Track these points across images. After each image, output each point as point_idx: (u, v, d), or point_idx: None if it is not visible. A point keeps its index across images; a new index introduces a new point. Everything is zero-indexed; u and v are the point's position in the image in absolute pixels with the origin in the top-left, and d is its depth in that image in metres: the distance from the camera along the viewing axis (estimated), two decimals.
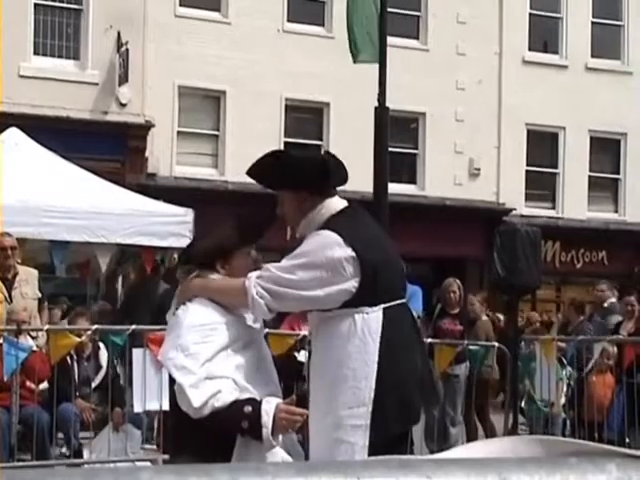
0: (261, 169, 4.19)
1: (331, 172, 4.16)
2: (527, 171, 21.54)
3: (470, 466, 1.65)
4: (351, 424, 3.81)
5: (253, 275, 3.92)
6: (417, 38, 20.68)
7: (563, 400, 10.60)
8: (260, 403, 3.76)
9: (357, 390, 3.81)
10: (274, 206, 4.23)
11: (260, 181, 4.25)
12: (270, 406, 3.75)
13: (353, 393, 3.81)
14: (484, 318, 11.08)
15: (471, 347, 9.65)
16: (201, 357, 3.81)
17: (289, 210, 4.16)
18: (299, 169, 4.14)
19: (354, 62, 14.09)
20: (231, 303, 3.99)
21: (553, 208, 21.85)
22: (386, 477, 1.66)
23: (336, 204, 4.18)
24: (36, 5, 17.36)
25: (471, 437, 10.17)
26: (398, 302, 3.94)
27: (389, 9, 14.01)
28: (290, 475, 1.71)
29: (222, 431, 3.75)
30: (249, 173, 4.20)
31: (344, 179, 4.31)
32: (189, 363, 3.81)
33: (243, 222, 4.19)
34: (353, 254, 3.89)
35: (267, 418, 3.71)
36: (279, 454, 3.86)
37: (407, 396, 3.86)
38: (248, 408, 3.74)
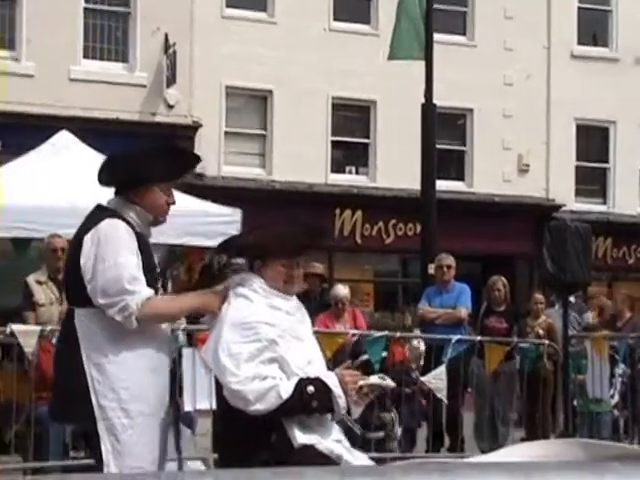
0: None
1: None
2: (577, 166, 21.29)
3: (509, 470, 1.63)
4: None
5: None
6: (464, 34, 20.56)
7: (616, 398, 10.46)
8: (319, 380, 3.81)
9: None
10: (319, 224, 4.31)
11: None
12: (333, 379, 3.81)
13: None
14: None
15: (521, 345, 9.58)
16: (242, 356, 3.83)
17: None
18: None
19: (389, 59, 14.07)
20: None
21: (604, 203, 21.57)
22: None
23: None
24: (85, 9, 17.56)
25: (527, 436, 10.09)
26: None
27: (435, 6, 13.98)
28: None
29: (288, 416, 3.78)
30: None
31: None
32: (230, 363, 3.83)
33: (292, 233, 4.22)
34: None
35: (338, 389, 3.78)
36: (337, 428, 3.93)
37: None
38: (311, 388, 3.80)
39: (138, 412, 4.17)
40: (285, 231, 4.22)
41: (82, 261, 4.20)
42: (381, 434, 9.19)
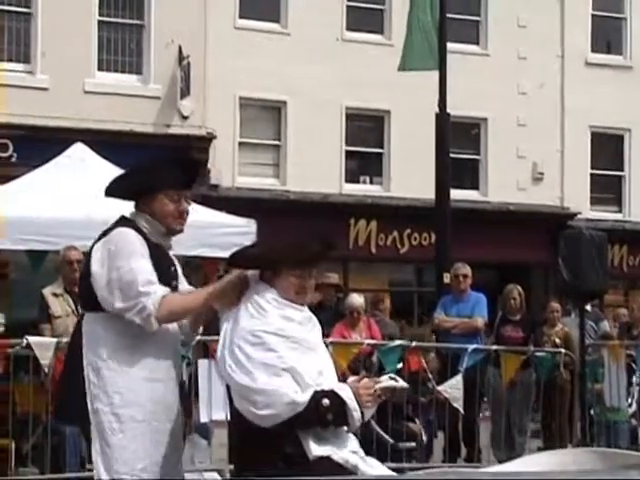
0: None
1: None
2: (592, 174, 21.22)
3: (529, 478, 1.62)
4: None
5: None
6: (477, 43, 20.55)
7: (634, 407, 10.40)
8: (333, 392, 3.80)
9: None
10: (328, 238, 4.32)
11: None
12: (347, 391, 3.80)
13: None
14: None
15: (538, 354, 9.55)
16: (253, 365, 3.83)
17: None
18: None
19: (399, 70, 14.07)
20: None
21: (619, 211, 21.49)
22: None
23: None
24: (100, 22, 17.64)
25: (544, 445, 10.05)
26: None
27: (448, 15, 13.98)
28: None
29: (303, 429, 3.77)
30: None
31: None
32: (241, 371, 3.83)
33: (302, 245, 4.22)
34: None
35: (353, 402, 3.77)
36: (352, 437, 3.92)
37: None
38: (326, 401, 3.79)
39: (129, 417, 4.20)
40: (296, 242, 4.22)
41: (93, 268, 4.28)
42: (412, 444, 9.20)
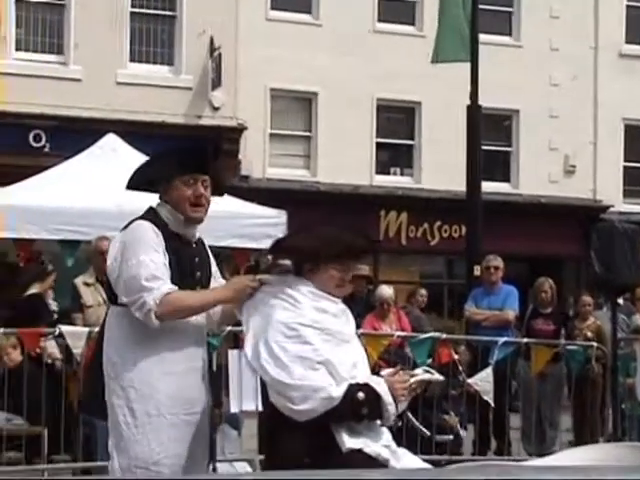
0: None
1: None
2: (625, 167, 21.04)
3: (570, 473, 1.61)
4: None
5: None
6: (509, 35, 20.42)
7: None
8: (368, 386, 3.79)
9: None
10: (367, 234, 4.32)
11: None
12: (383, 385, 3.79)
13: None
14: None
15: (569, 347, 9.49)
16: (288, 358, 3.82)
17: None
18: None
19: (432, 62, 14.01)
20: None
21: None
22: None
23: None
24: (132, 13, 17.72)
25: (576, 439, 9.98)
26: None
27: (480, 6, 13.90)
28: None
29: (337, 422, 3.77)
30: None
31: None
32: (275, 363, 3.83)
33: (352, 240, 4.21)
34: None
35: (388, 397, 3.76)
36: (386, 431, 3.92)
37: None
38: (361, 394, 3.78)
39: (144, 412, 4.20)
40: (341, 236, 4.20)
41: (108, 262, 4.32)
42: (450, 437, 9.20)
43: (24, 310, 8.47)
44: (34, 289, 8.76)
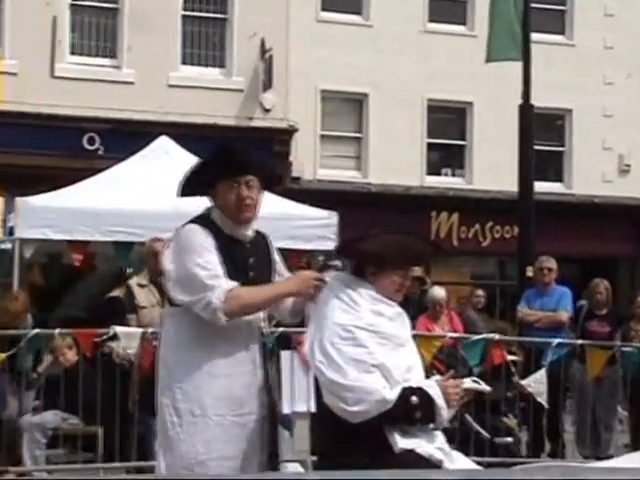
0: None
1: None
2: None
3: (635, 474, 1.58)
4: None
5: None
6: (562, 33, 20.22)
7: None
8: (422, 390, 3.79)
9: None
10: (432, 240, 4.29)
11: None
12: (436, 389, 3.79)
13: None
14: None
15: (624, 349, 9.36)
16: (343, 360, 3.83)
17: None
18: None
19: (486, 62, 13.91)
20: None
21: None
22: None
23: None
24: (184, 16, 17.87)
25: (632, 442, 9.84)
26: None
27: (533, 5, 13.78)
28: None
29: (390, 425, 3.77)
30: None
31: None
32: (330, 365, 3.83)
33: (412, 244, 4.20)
34: None
35: (441, 401, 3.77)
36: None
37: None
38: (414, 398, 3.78)
39: (188, 411, 4.23)
40: (409, 243, 4.19)
41: (164, 265, 4.36)
42: (509, 439, 9.14)
43: (106, 312, 8.55)
44: (115, 293, 8.84)
